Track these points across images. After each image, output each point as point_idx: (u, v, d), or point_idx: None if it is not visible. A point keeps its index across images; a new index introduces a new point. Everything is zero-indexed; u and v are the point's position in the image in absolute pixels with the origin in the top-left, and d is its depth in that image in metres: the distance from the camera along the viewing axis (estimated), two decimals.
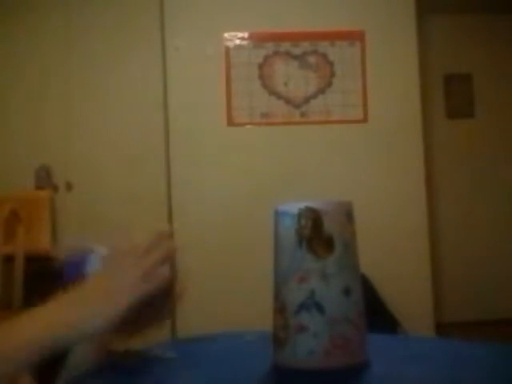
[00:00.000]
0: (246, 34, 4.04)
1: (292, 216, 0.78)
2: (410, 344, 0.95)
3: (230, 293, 3.80)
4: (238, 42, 4.03)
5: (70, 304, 0.77)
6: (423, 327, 3.90)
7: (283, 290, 0.78)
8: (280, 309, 0.78)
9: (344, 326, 0.77)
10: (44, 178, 3.93)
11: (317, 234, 0.77)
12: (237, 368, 0.83)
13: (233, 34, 4.03)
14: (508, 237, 4.75)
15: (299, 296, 0.77)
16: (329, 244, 0.77)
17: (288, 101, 4.03)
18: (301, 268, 0.77)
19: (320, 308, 0.76)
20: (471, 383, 0.72)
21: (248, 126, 4.02)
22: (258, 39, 4.04)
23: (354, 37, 4.07)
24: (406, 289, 3.96)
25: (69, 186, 3.99)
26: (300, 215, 0.77)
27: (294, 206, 0.78)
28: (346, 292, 0.77)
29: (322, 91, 4.05)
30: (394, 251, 3.99)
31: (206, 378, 0.78)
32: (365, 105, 4.06)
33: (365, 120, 4.06)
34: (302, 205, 0.78)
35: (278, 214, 0.80)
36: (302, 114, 4.04)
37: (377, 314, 3.78)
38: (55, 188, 3.96)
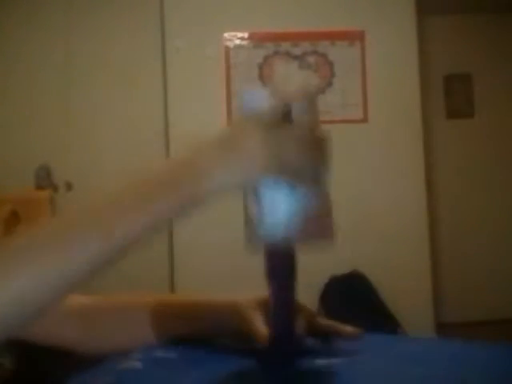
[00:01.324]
0: (245, 34, 4.04)
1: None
2: (409, 344, 0.95)
3: (231, 293, 3.80)
4: (237, 41, 4.03)
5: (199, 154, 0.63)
6: (423, 327, 3.90)
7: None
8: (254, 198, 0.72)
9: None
10: (44, 178, 3.94)
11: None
12: (236, 368, 0.83)
13: (233, 34, 4.03)
14: (508, 237, 4.75)
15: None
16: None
17: None
18: None
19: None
20: (471, 383, 0.72)
21: None
22: (258, 39, 4.04)
23: (354, 37, 4.08)
24: (406, 289, 3.96)
25: (69, 186, 4.00)
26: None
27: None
28: None
29: (321, 91, 4.05)
30: (393, 251, 4.00)
31: (206, 377, 0.78)
32: (365, 105, 4.06)
33: (365, 120, 4.06)
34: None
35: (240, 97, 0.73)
36: None
37: (377, 314, 3.78)
38: (55, 188, 3.97)
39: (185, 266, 3.95)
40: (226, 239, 3.93)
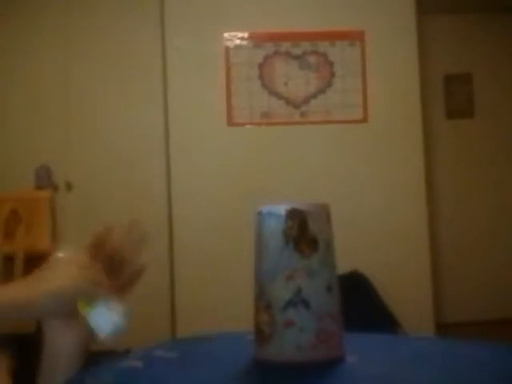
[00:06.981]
0: (245, 34, 4.04)
1: (278, 217, 0.81)
2: (409, 344, 0.95)
3: (231, 293, 3.80)
4: (237, 41, 4.03)
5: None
6: (423, 327, 3.90)
7: (269, 288, 0.81)
8: (265, 306, 0.81)
9: (328, 320, 0.80)
10: (44, 178, 3.93)
11: (302, 233, 0.80)
12: (237, 368, 0.83)
13: (233, 33, 4.03)
14: (508, 237, 4.75)
15: (286, 293, 0.79)
16: (313, 243, 0.80)
17: (288, 101, 4.03)
18: (288, 266, 0.80)
19: (306, 304, 0.79)
20: (471, 383, 0.72)
21: (248, 126, 4.02)
22: (258, 39, 4.04)
23: (354, 37, 4.07)
24: (406, 289, 3.96)
25: (69, 186, 4.00)
26: (287, 216, 0.80)
27: (279, 207, 0.81)
28: (329, 288, 0.81)
29: (322, 91, 4.05)
30: (393, 251, 4.00)
31: (205, 378, 0.78)
32: (365, 105, 4.06)
33: (365, 120, 4.06)
34: (288, 206, 0.81)
35: (262, 215, 0.82)
36: (302, 114, 4.04)
37: (377, 314, 3.78)
38: (55, 188, 3.97)
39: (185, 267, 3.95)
40: (226, 239, 3.93)
